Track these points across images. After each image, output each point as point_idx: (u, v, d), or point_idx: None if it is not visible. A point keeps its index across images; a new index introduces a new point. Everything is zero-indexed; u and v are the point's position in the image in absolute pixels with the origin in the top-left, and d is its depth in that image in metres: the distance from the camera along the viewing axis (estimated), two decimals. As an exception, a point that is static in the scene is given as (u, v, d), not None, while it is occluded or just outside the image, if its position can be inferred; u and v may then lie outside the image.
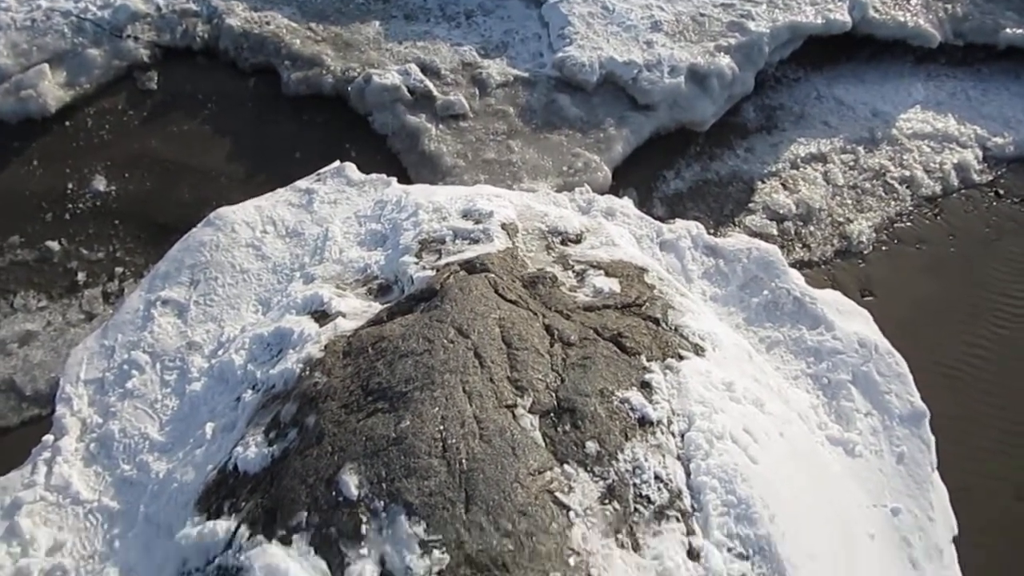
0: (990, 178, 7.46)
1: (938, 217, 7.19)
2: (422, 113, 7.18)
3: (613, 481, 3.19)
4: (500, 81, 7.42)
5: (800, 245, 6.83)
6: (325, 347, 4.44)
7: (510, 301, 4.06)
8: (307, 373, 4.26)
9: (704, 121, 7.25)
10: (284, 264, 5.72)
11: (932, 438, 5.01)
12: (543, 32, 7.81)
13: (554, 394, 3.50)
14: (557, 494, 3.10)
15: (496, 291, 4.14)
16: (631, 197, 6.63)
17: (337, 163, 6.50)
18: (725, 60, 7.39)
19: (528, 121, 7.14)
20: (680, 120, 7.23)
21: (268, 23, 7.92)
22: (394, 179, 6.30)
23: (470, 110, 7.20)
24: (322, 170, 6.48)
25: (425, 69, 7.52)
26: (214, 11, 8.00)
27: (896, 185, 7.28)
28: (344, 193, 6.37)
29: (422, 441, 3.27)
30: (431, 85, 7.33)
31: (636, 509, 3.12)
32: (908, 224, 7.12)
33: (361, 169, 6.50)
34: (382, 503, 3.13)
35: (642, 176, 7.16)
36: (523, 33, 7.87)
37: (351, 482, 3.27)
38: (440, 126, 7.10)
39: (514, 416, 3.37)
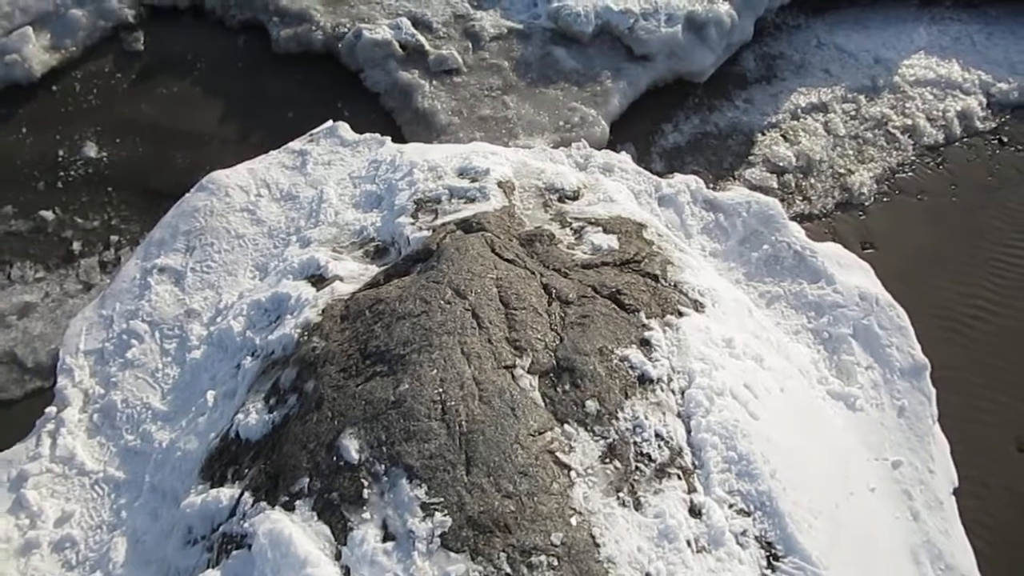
0: (993, 125, 7.33)
1: (940, 166, 7.08)
2: (415, 69, 7.02)
3: (614, 440, 3.19)
4: (494, 34, 7.24)
5: (801, 198, 6.74)
6: (323, 311, 4.41)
7: (507, 260, 4.02)
8: (305, 338, 4.25)
9: (702, 71, 7.09)
10: (280, 228, 5.66)
11: (933, 391, 5.02)
12: (537, -18, 7.59)
13: (553, 354, 3.48)
14: (558, 454, 3.10)
15: (493, 250, 4.09)
16: (629, 152, 6.51)
17: (330, 123, 6.38)
18: (724, 7, 7.19)
19: (523, 75, 6.99)
20: (678, 71, 7.07)
21: (254, -22, 7.68)
22: (388, 138, 6.19)
23: (463, 64, 7.04)
24: (315, 130, 6.37)
25: (416, 22, 7.33)
26: (198, -33, 7.76)
27: (898, 134, 7.16)
28: (338, 154, 6.27)
29: (421, 404, 3.26)
30: (423, 39, 7.16)
31: (637, 468, 3.13)
32: (910, 174, 7.02)
33: (354, 128, 6.38)
34: (383, 467, 3.14)
35: (640, 130, 7.04)
36: (515, -16, 7.65)
37: (351, 447, 3.27)
38: (433, 82, 6.96)
39: (513, 377, 3.36)
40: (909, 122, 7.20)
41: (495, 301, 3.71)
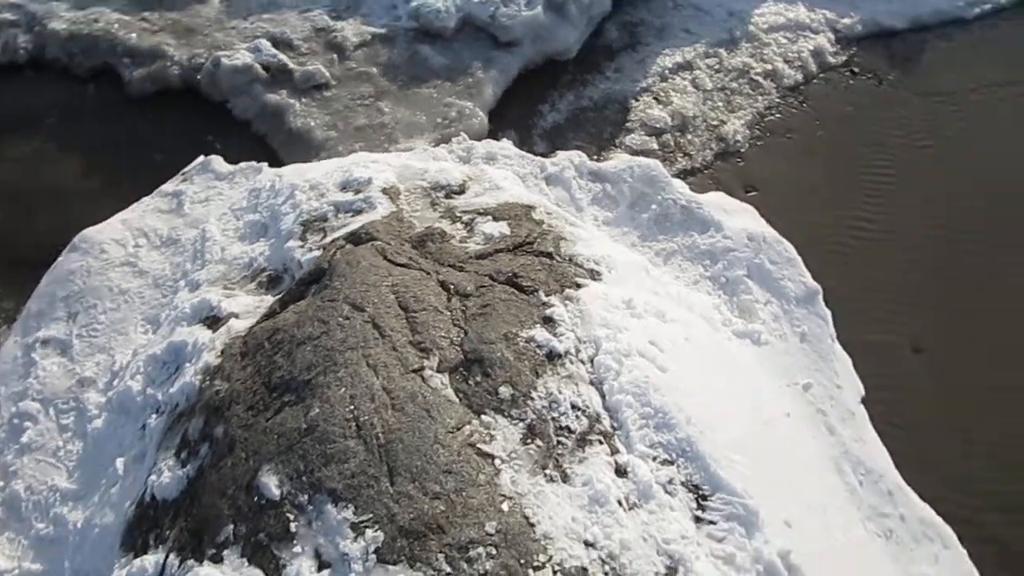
0: (844, 59, 7.77)
1: (803, 104, 7.45)
2: (282, 89, 6.86)
3: (532, 420, 3.22)
4: (357, 42, 7.15)
5: (681, 154, 6.96)
6: (221, 352, 4.27)
7: (401, 265, 3.98)
8: (207, 383, 4.10)
9: (569, 49, 7.22)
10: (165, 276, 5.44)
11: (828, 312, 5.29)
12: (392, -16, 7.53)
13: (459, 348, 3.48)
14: (479, 445, 3.10)
15: (385, 258, 4.04)
16: (510, 138, 6.57)
17: (201, 158, 6.17)
18: (578, -17, 7.33)
19: (394, 79, 6.93)
20: (546, 52, 7.17)
21: (96, 20, 7.33)
22: (265, 164, 6.03)
23: (332, 77, 6.93)
24: (186, 168, 6.14)
25: (276, 42, 7.16)
26: (33, 17, 7.35)
27: (761, 80, 7.49)
28: (215, 188, 6.07)
29: (334, 425, 3.20)
30: (285, 58, 7.00)
31: (559, 442, 3.17)
32: (777, 116, 7.36)
33: (228, 159, 6.19)
34: (306, 496, 3.07)
35: (518, 115, 7.11)
36: (369, -12, 7.57)
37: (271, 483, 3.18)
38: (303, 100, 6.82)
39: (423, 379, 3.34)
40: (769, 67, 7.54)
41: (394, 308, 3.68)
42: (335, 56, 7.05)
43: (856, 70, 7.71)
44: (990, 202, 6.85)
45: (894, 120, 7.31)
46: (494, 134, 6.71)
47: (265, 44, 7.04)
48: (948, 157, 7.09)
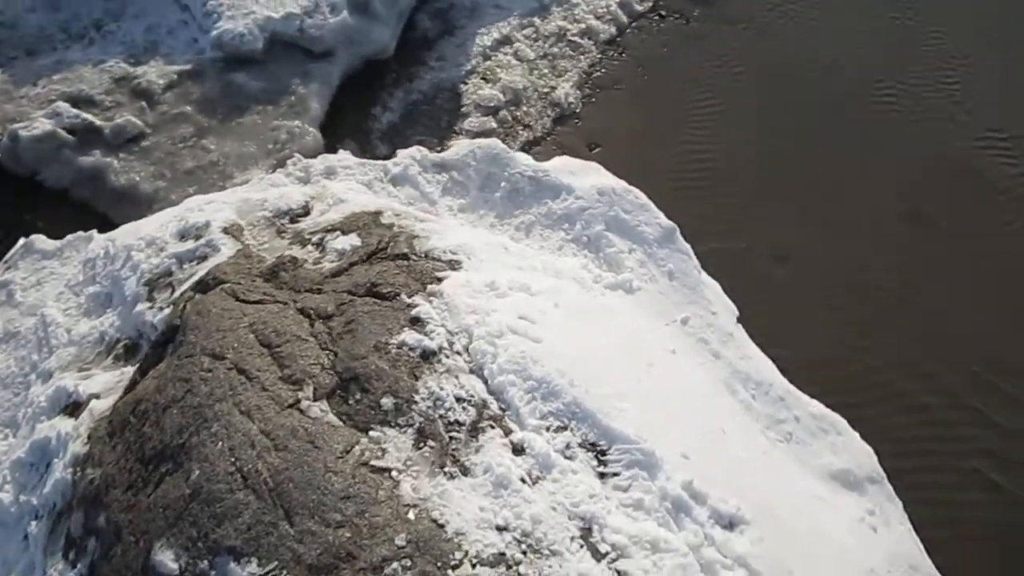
0: (651, 4, 8.08)
1: (623, 55, 7.71)
2: (94, 149, 6.41)
3: (420, 424, 3.18)
4: (164, 84, 6.77)
5: (521, 127, 7.06)
6: (88, 438, 3.97)
7: (255, 303, 3.82)
8: (79, 474, 3.80)
9: (386, 47, 7.13)
10: (12, 374, 5.01)
11: (688, 245, 5.52)
12: (187, 16, 7.16)
13: (332, 371, 3.38)
14: (372, 462, 3.04)
15: (237, 299, 3.87)
16: (349, 148, 6.43)
17: (22, 240, 5.70)
18: (379, -20, 7.24)
19: (213, 113, 6.62)
20: (363, 54, 7.05)
21: None
22: (94, 231, 5.63)
23: (146, 126, 6.53)
24: (7, 255, 5.65)
25: (76, 102, 6.66)
26: None
27: (579, 40, 7.68)
28: (44, 269, 5.63)
29: (219, 482, 3.04)
30: (90, 116, 6.53)
31: (451, 437, 3.15)
32: (602, 71, 7.59)
33: (52, 235, 5.75)
34: (206, 562, 2.90)
35: (353, 123, 6.98)
36: (167, 24, 7.17)
37: (166, 559, 2.99)
38: (121, 155, 6.40)
39: (301, 412, 3.22)
40: (583, 26, 7.74)
41: (256, 348, 3.53)
42: (144, 103, 6.64)
43: (663, 13, 8.05)
44: (808, 108, 7.37)
45: (707, 52, 7.70)
46: (332, 147, 6.55)
47: (64, 107, 6.54)
48: (760, 76, 7.55)
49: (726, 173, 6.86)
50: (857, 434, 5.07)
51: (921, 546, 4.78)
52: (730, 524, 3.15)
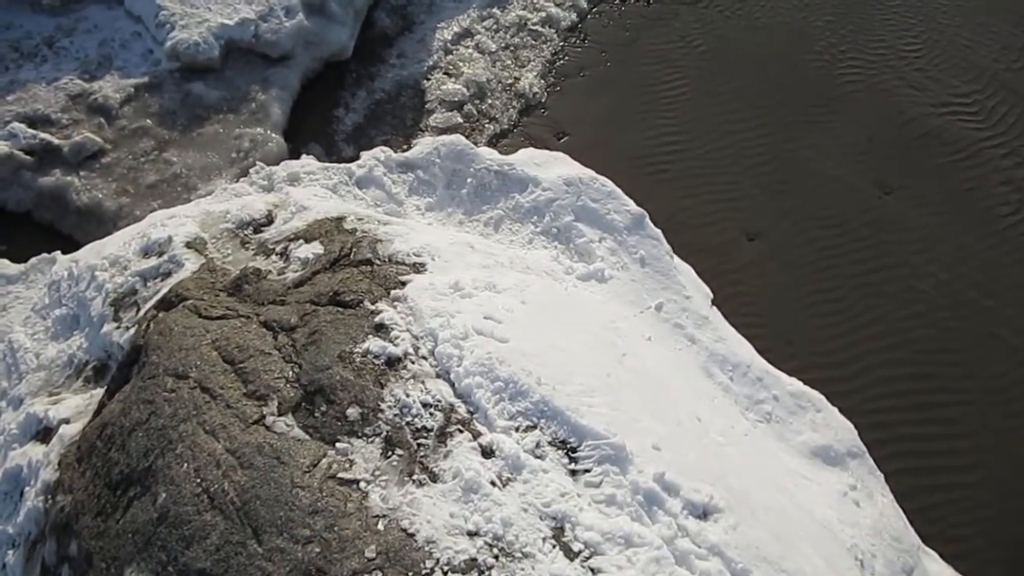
0: (611, -13, 8.02)
1: (586, 41, 7.65)
2: (54, 169, 6.30)
3: (387, 432, 3.14)
4: (122, 98, 6.65)
5: (487, 120, 6.99)
6: (59, 464, 3.92)
7: (218, 318, 3.76)
8: (51, 502, 3.75)
9: (344, 47, 7.04)
10: (-20, 403, 4.91)
11: (658, 231, 5.49)
12: (140, 28, 7.03)
13: (297, 384, 3.34)
14: (340, 475, 3.00)
15: (200, 315, 3.81)
16: (314, 152, 6.37)
17: (-16, 267, 5.60)
18: (335, -21, 7.13)
19: (173, 125, 6.52)
20: (322, 56, 6.96)
21: None
22: (57, 252, 5.55)
23: (105, 142, 6.42)
24: (-30, 283, 5.55)
25: (32, 122, 6.54)
26: None
27: (540, 29, 7.61)
28: (9, 294, 5.55)
29: (186, 505, 3.00)
30: (47, 135, 6.41)
31: (419, 444, 3.11)
32: (566, 59, 7.53)
33: (15, 259, 5.66)
34: (177, 586, 2.87)
35: (316, 127, 6.89)
36: (120, 38, 7.04)
37: (137, 585, 2.95)
38: (82, 173, 6.29)
39: (266, 427, 3.18)
40: (543, 14, 7.67)
41: (219, 365, 3.48)
42: (102, 120, 6.53)
43: (624, -5, 7.98)
44: (774, 84, 7.33)
45: (670, 33, 7.65)
46: (296, 152, 6.48)
47: (20, 127, 6.42)
48: (724, 54, 7.50)
49: (695, 155, 6.83)
50: (836, 409, 5.08)
51: (904, 517, 4.81)
52: (704, 513, 3.14)
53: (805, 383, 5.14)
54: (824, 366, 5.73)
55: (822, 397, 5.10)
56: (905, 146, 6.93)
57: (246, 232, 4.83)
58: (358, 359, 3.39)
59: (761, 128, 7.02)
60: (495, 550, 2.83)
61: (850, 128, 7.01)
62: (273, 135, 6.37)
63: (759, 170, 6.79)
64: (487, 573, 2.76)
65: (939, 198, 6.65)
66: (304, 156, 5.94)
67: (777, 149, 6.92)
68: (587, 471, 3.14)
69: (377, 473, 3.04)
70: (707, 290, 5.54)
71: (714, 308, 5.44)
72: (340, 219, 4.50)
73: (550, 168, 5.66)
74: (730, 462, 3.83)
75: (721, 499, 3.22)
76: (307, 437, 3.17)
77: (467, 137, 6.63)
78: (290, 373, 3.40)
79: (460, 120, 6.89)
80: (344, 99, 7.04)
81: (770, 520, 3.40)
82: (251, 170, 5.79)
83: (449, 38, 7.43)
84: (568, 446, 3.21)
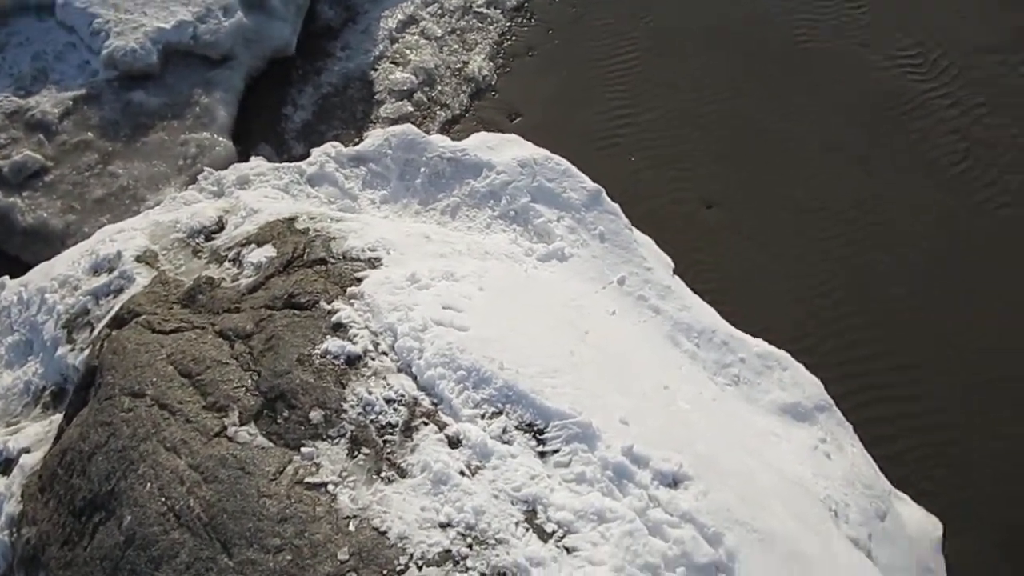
0: (553, -38, 7.94)
1: (532, 20, 7.58)
2: (-5, 191, 6.12)
3: (352, 432, 3.12)
4: (60, 112, 6.47)
5: (438, 107, 6.92)
6: (22, 496, 3.84)
7: (172, 332, 3.70)
8: (16, 535, 3.68)
9: (287, 44, 6.91)
10: (-61, 437, 4.78)
11: (616, 205, 5.49)
12: (73, 38, 6.82)
13: (257, 392, 3.30)
14: (307, 479, 2.98)
15: (153, 330, 3.74)
16: (264, 153, 6.26)
17: (-69, 299, 5.41)
18: (270, -26, 6.97)
19: (116, 136, 6.36)
20: (265, 54, 6.83)
21: None
22: (5, 277, 5.39)
23: (47, 159, 6.25)
24: (-82, 316, 5.37)
25: (-33, 144, 6.34)
26: None
27: (485, 11, 7.53)
28: (-39, 324, 5.38)
29: (152, 525, 2.95)
30: (-15, 157, 6.22)
31: (385, 441, 3.10)
32: (514, 39, 7.46)
33: (-37, 288, 5.49)
34: (150, 607, 2.83)
35: (265, 126, 6.77)
36: (53, 49, 6.82)
37: (110, 610, 2.91)
38: (25, 193, 6.12)
39: (229, 439, 3.14)
40: (487, -5, 7.58)
41: (176, 379, 3.42)
42: (41, 136, 6.35)
43: (568, -29, 7.92)
44: (724, 52, 7.33)
45: (618, 7, 7.61)
46: (246, 155, 6.35)
47: (-44, 150, 6.22)
48: (673, 27, 7.48)
49: (648, 127, 6.83)
50: (802, 366, 5.15)
51: (874, 465, 4.91)
52: (674, 482, 3.16)
53: (770, 343, 5.20)
54: (788, 325, 5.80)
55: (787, 355, 5.16)
56: (857, 105, 6.98)
57: (198, 241, 4.74)
58: (317, 361, 3.35)
59: (714, 96, 7.03)
60: (468, 539, 2.83)
61: (805, 93, 7.04)
62: (220, 139, 6.24)
63: (714, 137, 6.81)
64: (462, 563, 2.76)
65: (889, 151, 6.73)
66: (253, 158, 5.82)
67: (731, 116, 6.94)
68: (555, 451, 3.15)
69: (345, 474, 3.02)
70: (668, 260, 5.56)
71: (676, 278, 5.47)
72: (292, 220, 4.44)
73: (504, 151, 5.62)
74: (698, 428, 3.86)
75: (690, 466, 3.25)
76: (271, 444, 3.14)
77: (419, 125, 6.57)
78: (249, 381, 3.35)
79: (411, 109, 6.81)
80: (291, 96, 6.92)
81: (740, 483, 3.44)
82: (200, 176, 5.67)
83: (394, 26, 7.32)
84: (535, 429, 3.21)
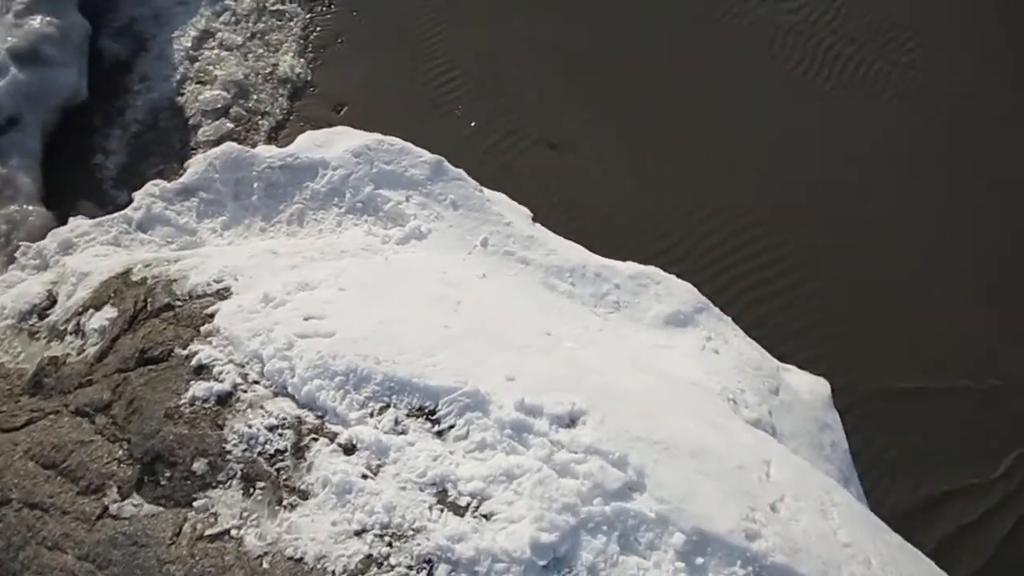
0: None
1: (333, 6, 7.36)
2: None
3: (241, 470, 3.01)
4: None
5: (259, 117, 6.64)
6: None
7: (24, 426, 3.42)
8: None
9: (77, 89, 6.40)
10: None
11: (460, 170, 5.49)
12: None
13: (131, 460, 3.11)
14: (207, 532, 2.85)
15: (3, 430, 3.44)
16: (83, 211, 5.81)
17: None
18: (36, 20, 6.40)
19: (-89, 236, 5.72)
20: (55, 107, 6.31)
21: None
22: None
23: None
24: None
25: None
26: None
27: (281, 7, 7.27)
28: None
29: (53, 630, 2.76)
30: None
31: (278, 469, 3.00)
32: (319, 30, 7.24)
33: None
34: None
35: (77, 182, 6.28)
36: None
37: None
38: None
39: (113, 517, 2.96)
40: (279, -11, 7.28)
41: (40, 474, 3.17)
42: None
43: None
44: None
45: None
46: (64, 218, 5.87)
47: None
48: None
49: (475, 85, 6.82)
50: (673, 276, 5.37)
51: (759, 347, 5.23)
52: (571, 421, 3.24)
53: (640, 263, 5.39)
54: (653, 240, 6.03)
55: (658, 270, 5.37)
56: (681, 15, 7.21)
57: (31, 322, 4.38)
58: (187, 410, 3.19)
59: (531, 33, 7.08)
60: (387, 538, 2.81)
61: (632, 19, 7.19)
62: (30, 208, 5.75)
63: (539, 79, 6.88)
64: (385, 563, 2.74)
65: (726, 55, 7.01)
66: (73, 219, 5.40)
67: (555, 50, 7.01)
68: (451, 427, 3.15)
69: (246, 514, 2.91)
70: (525, 211, 5.63)
71: (537, 225, 5.55)
72: (126, 273, 4.16)
73: (334, 145, 5.47)
74: (587, 363, 3.97)
75: (584, 401, 3.34)
76: (161, 509, 2.98)
77: (243, 140, 6.31)
78: (120, 452, 3.16)
79: (231, 126, 6.49)
80: (98, 143, 6.43)
81: (634, 401, 3.57)
82: (17, 254, 5.23)
83: (190, 44, 6.91)
84: (426, 411, 3.20)
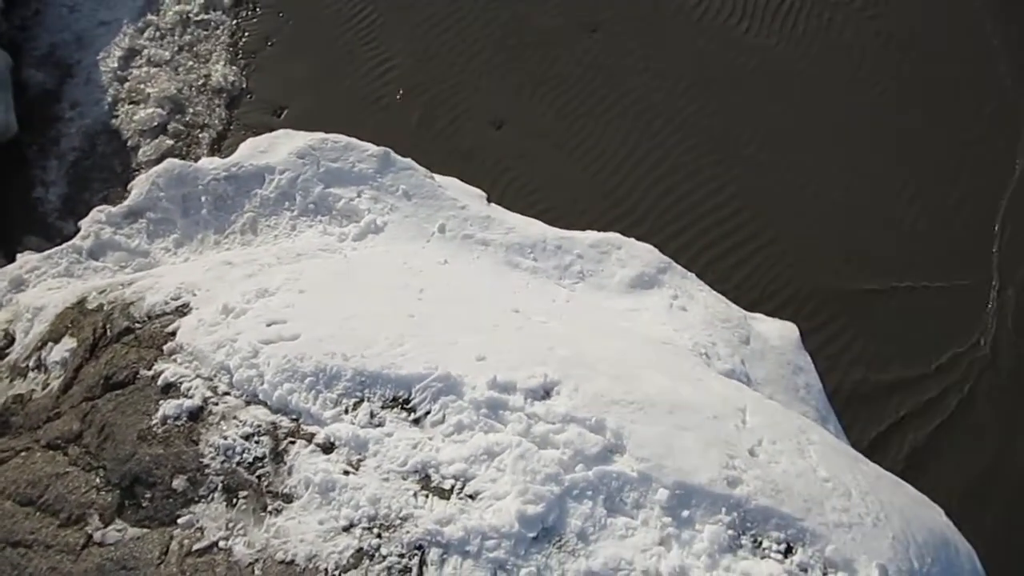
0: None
1: (258, 10, 7.23)
2: None
3: (222, 482, 2.99)
4: None
5: (199, 130, 6.53)
6: None
7: (-5, 467, 3.36)
8: None
9: (7, 123, 6.24)
10: None
11: (408, 160, 5.46)
12: None
13: (110, 486, 3.08)
14: (195, 547, 2.84)
15: (-26, 476, 3.37)
16: (30, 246, 5.70)
17: None
18: (-46, 56, 6.19)
19: None
20: (-13, 144, 6.11)
21: None
22: None
23: None
24: None
25: None
26: None
27: (206, 16, 7.16)
28: None
29: (51, 666, 2.73)
30: None
31: (259, 476, 3.00)
32: (248, 34, 7.12)
33: None
34: None
35: (20, 217, 6.15)
36: None
37: None
38: None
39: (99, 544, 2.93)
40: (201, 1, 7.12)
41: (19, 511, 3.13)
42: None
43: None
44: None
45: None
46: (11, 255, 5.73)
47: None
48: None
49: (413, 70, 6.77)
50: (633, 239, 5.42)
51: (725, 299, 5.31)
52: (545, 393, 3.28)
53: (600, 231, 5.44)
54: (610, 207, 6.08)
55: (617, 235, 5.42)
56: None
57: (-11, 366, 4.28)
58: (159, 430, 3.16)
59: (460, 17, 7.04)
60: (375, 530, 2.83)
61: None
62: (-26, 251, 5.60)
63: (479, 63, 6.85)
64: (376, 554, 2.76)
65: (635, 20, 7.04)
66: (20, 255, 5.27)
67: (492, 35, 6.98)
68: (427, 413, 3.17)
69: (231, 525, 2.90)
70: (479, 192, 5.62)
71: (493, 205, 5.56)
72: (80, 302, 4.09)
73: (278, 149, 5.41)
74: (557, 335, 4.00)
75: (556, 372, 3.37)
76: (146, 530, 2.96)
77: (185, 156, 6.21)
78: (97, 480, 3.12)
79: (171, 142, 6.37)
80: (36, 176, 6.28)
81: (607, 367, 3.61)
82: (-33, 300, 5.08)
83: (117, 65, 6.74)
84: (400, 400, 3.21)
